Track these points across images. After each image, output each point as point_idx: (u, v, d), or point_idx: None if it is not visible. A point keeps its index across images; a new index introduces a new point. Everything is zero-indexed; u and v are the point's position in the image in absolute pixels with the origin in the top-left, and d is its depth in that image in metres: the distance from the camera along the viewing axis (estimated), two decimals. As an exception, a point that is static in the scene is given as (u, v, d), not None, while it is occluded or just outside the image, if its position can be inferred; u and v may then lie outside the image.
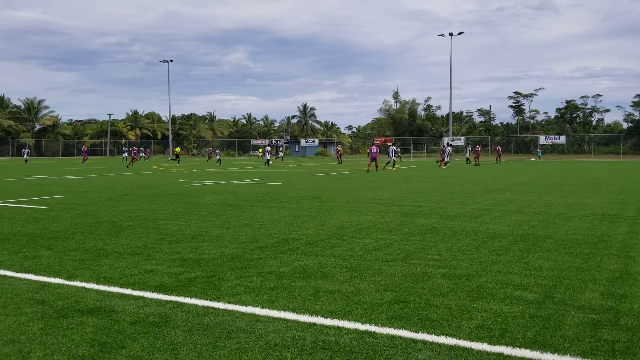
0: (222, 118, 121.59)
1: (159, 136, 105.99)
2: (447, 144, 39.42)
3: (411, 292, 5.21)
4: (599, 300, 4.92)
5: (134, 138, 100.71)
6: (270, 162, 42.79)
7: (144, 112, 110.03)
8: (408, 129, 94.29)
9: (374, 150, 30.72)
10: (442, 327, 4.21)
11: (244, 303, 4.87)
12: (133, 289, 5.33)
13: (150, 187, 18.92)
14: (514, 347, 3.80)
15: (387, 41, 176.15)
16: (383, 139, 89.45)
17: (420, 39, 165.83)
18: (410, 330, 4.14)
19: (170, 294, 5.15)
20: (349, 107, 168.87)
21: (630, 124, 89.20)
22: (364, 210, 11.76)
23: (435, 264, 6.40)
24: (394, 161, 35.92)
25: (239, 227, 9.34)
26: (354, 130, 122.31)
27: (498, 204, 13.02)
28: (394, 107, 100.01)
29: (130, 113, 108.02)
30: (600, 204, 12.91)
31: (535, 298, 4.98)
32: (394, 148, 36.67)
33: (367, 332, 4.12)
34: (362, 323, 4.33)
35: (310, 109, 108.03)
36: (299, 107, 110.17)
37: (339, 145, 41.05)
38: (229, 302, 4.90)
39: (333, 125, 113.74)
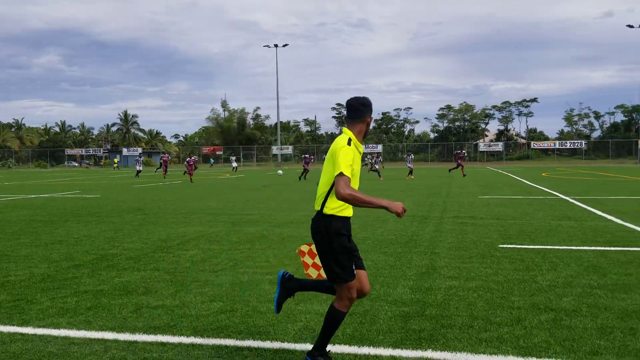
0: (32, 126, 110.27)
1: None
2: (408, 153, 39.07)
3: (238, 300, 5.22)
4: (408, 294, 5.40)
5: None
6: (140, 173, 39.28)
7: None
8: (237, 138, 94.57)
9: (192, 160, 32.39)
10: (267, 333, 4.28)
11: (56, 326, 4.47)
12: None
13: (-58, 204, 16.47)
14: (334, 344, 4.00)
15: (213, 49, 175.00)
16: (212, 148, 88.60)
17: (247, 49, 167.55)
18: (236, 339, 4.15)
19: (-36, 325, 4.53)
20: (176, 115, 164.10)
21: (436, 134, 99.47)
22: (191, 221, 11.51)
23: (263, 271, 6.49)
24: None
25: (51, 245, 8.54)
26: (182, 139, 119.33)
27: (322, 209, 13.62)
28: (222, 116, 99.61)
29: None
30: (412, 206, 14.18)
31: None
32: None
33: (193, 345, 4.04)
34: (188, 336, 4.23)
35: (133, 116, 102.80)
36: (119, 115, 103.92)
37: (166, 155, 39.33)
38: (39, 327, 4.46)
39: (158, 133, 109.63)
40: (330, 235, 3.52)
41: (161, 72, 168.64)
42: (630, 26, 63.94)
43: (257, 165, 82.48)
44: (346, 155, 3.47)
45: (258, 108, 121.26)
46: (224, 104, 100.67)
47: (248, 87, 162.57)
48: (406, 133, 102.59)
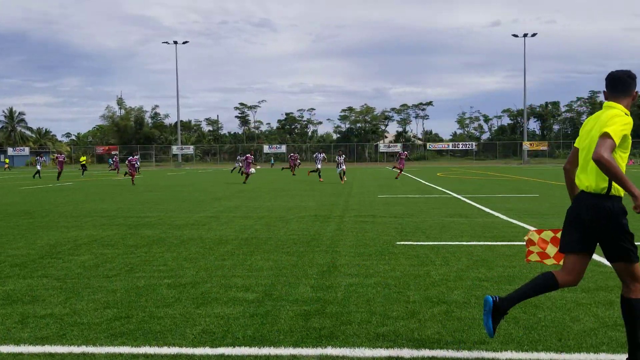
0: None
1: None
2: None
3: (134, 306, 5.01)
4: (310, 292, 5.45)
5: None
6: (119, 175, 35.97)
7: None
8: (135, 137, 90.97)
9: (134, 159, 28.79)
10: (165, 338, 4.15)
11: None
12: None
13: None
14: (234, 346, 3.95)
15: (109, 45, 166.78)
16: (107, 147, 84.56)
17: (145, 45, 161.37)
18: (132, 346, 3.98)
19: None
20: (67, 112, 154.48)
21: (339, 135, 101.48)
22: (84, 225, 10.91)
23: (160, 275, 6.28)
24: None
25: None
26: (74, 137, 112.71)
27: (225, 210, 13.45)
28: (118, 114, 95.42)
29: None
30: (315, 206, 14.35)
31: (256, 297, 5.28)
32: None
33: (84, 354, 3.83)
34: (78, 345, 4.00)
35: (19, 113, 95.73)
36: (4, 112, 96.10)
37: (62, 155, 36.73)
38: None
39: (48, 132, 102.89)
40: (620, 216, 3.33)
41: (51, 66, 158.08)
42: (515, 35, 68.89)
43: (157, 165, 79.83)
44: (622, 121, 3.22)
45: (157, 106, 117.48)
46: (120, 102, 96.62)
47: (146, 85, 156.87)
48: (310, 134, 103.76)
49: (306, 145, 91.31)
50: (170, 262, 7.07)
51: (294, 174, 37.04)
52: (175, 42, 72.10)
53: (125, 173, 29.14)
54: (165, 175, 42.10)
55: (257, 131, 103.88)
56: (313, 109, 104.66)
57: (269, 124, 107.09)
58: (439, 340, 4.07)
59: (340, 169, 27.86)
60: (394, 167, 31.85)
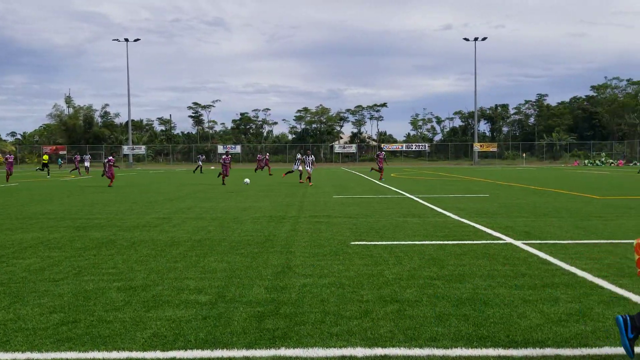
0: None
1: None
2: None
3: (82, 310, 4.87)
4: (264, 294, 5.43)
5: None
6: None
7: None
8: (84, 136, 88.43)
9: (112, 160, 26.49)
10: (114, 342, 4.04)
11: None
12: None
13: None
14: (186, 349, 3.89)
15: (56, 41, 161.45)
16: (54, 147, 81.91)
17: (95, 43, 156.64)
18: (79, 351, 3.87)
19: None
20: (12, 111, 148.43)
21: (294, 136, 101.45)
22: (30, 227, 10.53)
23: (110, 278, 6.12)
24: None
25: None
26: (19, 137, 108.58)
27: (178, 211, 13.23)
28: (66, 112, 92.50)
29: None
30: (269, 207, 14.30)
31: (209, 299, 5.21)
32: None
33: (28, 362, 3.69)
34: (23, 352, 3.86)
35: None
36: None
37: (11, 155, 35.09)
38: None
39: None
40: None
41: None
42: (466, 39, 70.53)
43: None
44: None
45: (107, 105, 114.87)
46: (68, 100, 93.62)
47: (96, 83, 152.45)
48: (265, 134, 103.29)
49: (261, 145, 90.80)
50: (120, 264, 6.90)
51: (270, 174, 37.39)
52: (127, 40, 70.52)
53: (102, 174, 26.54)
54: (115, 175, 41.03)
55: (211, 131, 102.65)
56: (268, 109, 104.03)
57: (223, 124, 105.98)
58: (392, 339, 4.12)
59: (296, 167, 27.87)
60: (372, 169, 32.12)
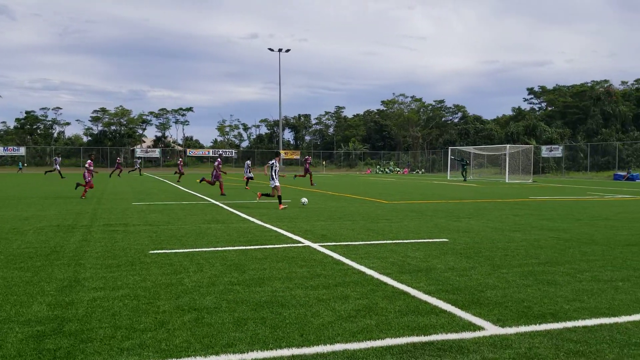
0: None
1: None
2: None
3: None
4: (46, 311, 4.89)
5: None
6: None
7: None
8: None
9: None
10: None
11: None
12: None
13: None
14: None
15: None
16: None
17: None
18: None
19: None
20: None
21: (90, 138, 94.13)
22: None
23: None
24: None
25: None
26: None
27: (-59, 222, 11.34)
28: None
29: None
30: (57, 215, 13.02)
31: (-24, 322, 4.52)
32: None
33: None
34: None
35: None
36: None
37: None
38: None
39: None
40: None
41: None
42: (271, 49, 72.62)
43: None
44: None
45: None
46: None
47: None
48: (55, 135, 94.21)
49: (51, 147, 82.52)
50: None
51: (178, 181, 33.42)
52: None
53: (77, 185, 20.38)
54: None
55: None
56: (59, 108, 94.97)
57: (4, 122, 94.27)
58: (187, 348, 4.00)
59: (248, 174, 26.73)
60: (297, 175, 33.44)
